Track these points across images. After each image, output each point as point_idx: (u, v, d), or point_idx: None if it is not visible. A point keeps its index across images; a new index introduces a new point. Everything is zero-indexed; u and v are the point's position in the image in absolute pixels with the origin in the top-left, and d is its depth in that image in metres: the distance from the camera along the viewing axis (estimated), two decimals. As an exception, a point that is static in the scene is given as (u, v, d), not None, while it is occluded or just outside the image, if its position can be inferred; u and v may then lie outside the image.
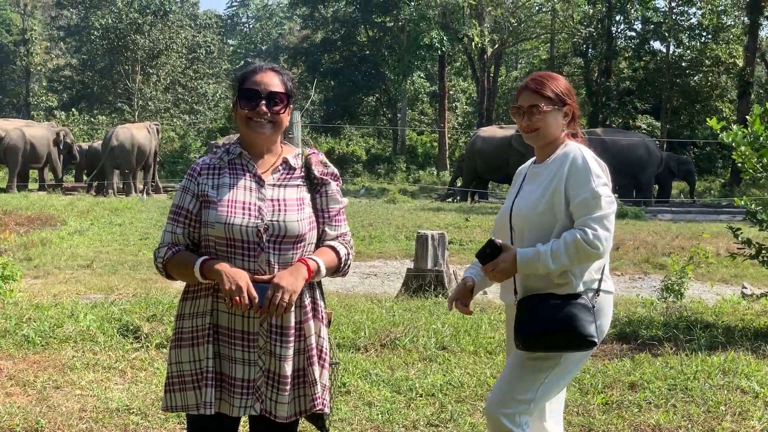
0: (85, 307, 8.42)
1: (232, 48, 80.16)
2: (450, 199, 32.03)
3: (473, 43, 45.68)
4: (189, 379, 3.28)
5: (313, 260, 3.26)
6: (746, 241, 8.53)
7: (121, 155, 31.33)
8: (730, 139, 7.97)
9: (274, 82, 3.31)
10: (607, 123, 45.64)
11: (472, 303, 3.80)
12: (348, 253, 3.42)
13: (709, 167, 45.27)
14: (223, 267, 3.14)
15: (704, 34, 46.80)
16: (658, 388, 6.05)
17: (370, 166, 47.72)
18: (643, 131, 42.89)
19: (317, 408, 3.30)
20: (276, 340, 3.23)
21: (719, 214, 25.86)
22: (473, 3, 44.51)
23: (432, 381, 6.26)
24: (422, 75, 55.34)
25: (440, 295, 10.14)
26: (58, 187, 32.91)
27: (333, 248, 3.37)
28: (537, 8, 50.95)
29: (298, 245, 3.26)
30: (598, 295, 3.64)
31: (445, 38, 44.01)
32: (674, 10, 46.77)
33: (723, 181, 41.43)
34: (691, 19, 47.39)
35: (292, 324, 3.25)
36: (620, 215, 23.03)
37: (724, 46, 45.61)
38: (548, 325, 3.50)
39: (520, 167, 3.99)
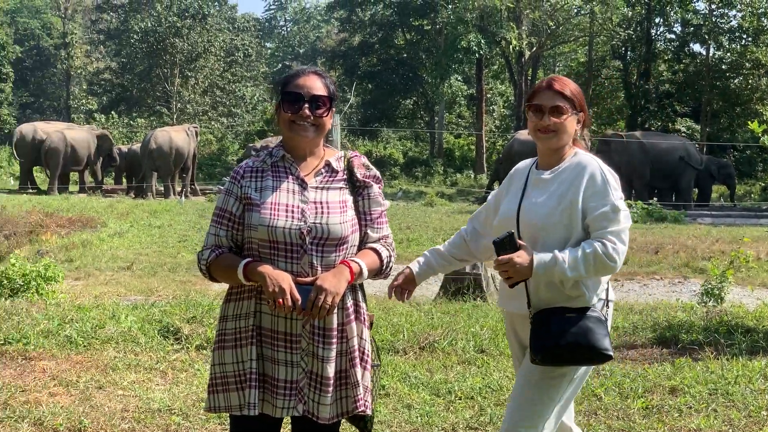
0: (126, 308, 8.49)
1: (269, 51, 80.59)
2: (487, 203, 31.90)
3: (511, 46, 45.44)
4: (232, 381, 3.29)
5: (356, 262, 3.27)
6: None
7: (159, 158, 31.59)
8: (771, 142, 7.90)
9: (316, 85, 3.33)
10: (647, 126, 45.23)
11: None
12: (390, 256, 3.42)
13: (749, 170, 44.65)
14: (267, 269, 3.16)
15: (744, 36, 46.16)
16: (698, 393, 6.01)
17: (408, 169, 47.64)
18: (683, 134, 42.44)
19: (359, 409, 3.30)
20: (319, 342, 3.24)
21: (759, 218, 25.62)
22: (511, 6, 44.30)
23: (471, 384, 6.26)
24: (459, 78, 55.09)
25: (479, 298, 10.14)
26: (98, 190, 33.28)
27: (375, 250, 3.37)
28: (575, 11, 50.53)
29: (341, 248, 3.27)
30: (607, 306, 3.61)
31: (482, 41, 43.78)
32: (714, 13, 46.19)
33: (763, 184, 40.92)
34: (731, 21, 46.79)
35: (335, 326, 3.26)
36: (660, 219, 22.90)
37: (764, 48, 45.02)
38: (565, 339, 3.43)
39: (516, 167, 3.87)
